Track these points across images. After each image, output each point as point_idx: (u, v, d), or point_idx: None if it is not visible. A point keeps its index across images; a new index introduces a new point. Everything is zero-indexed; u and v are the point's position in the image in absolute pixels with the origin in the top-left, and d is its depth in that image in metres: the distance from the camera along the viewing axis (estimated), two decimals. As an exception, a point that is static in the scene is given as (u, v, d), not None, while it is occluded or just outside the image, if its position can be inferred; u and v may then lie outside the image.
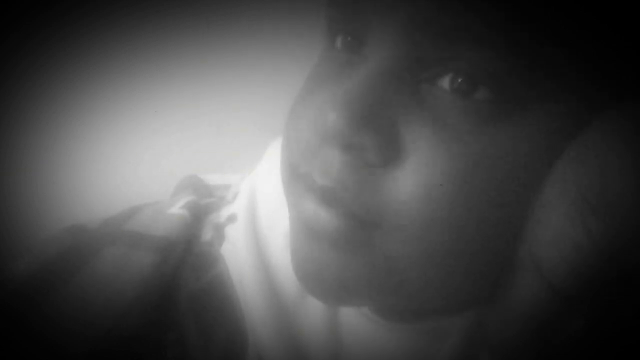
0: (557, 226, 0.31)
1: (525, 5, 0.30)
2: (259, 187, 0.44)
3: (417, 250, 0.32)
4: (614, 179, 0.29)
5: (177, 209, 0.44)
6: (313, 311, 0.39)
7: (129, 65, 0.71)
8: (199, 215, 0.45)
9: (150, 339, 0.39)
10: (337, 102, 0.31)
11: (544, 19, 0.30)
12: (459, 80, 0.31)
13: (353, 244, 0.33)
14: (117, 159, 0.73)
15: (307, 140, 0.33)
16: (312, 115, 0.33)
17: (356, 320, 0.39)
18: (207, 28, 0.70)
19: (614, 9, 0.31)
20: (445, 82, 0.31)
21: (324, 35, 0.36)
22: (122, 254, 0.41)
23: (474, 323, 0.37)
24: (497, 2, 0.29)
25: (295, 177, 0.35)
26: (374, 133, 0.31)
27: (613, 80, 0.32)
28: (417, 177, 0.31)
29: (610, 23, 0.31)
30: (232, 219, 0.44)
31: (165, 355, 0.39)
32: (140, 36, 0.70)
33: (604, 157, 0.30)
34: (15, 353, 0.37)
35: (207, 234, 0.44)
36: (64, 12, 0.69)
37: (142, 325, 0.39)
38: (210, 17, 0.70)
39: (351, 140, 0.31)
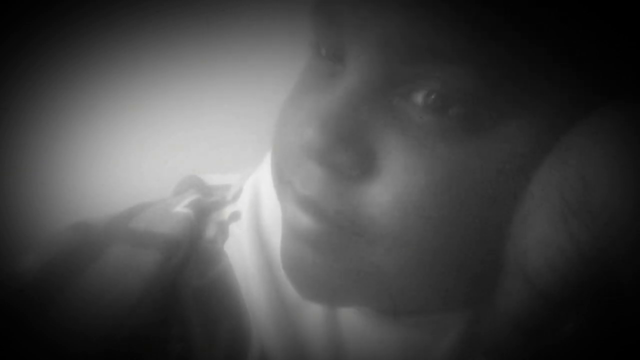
0: (541, 231, 0.31)
1: (500, 21, 0.30)
2: (263, 185, 0.44)
3: (399, 257, 0.33)
4: (595, 182, 0.29)
5: (182, 207, 0.45)
6: (314, 308, 0.39)
7: (130, 65, 0.71)
8: (203, 213, 0.45)
9: (154, 337, 0.39)
10: (314, 120, 0.32)
11: (520, 31, 0.31)
12: (432, 97, 0.32)
13: (334, 247, 0.34)
14: (118, 160, 0.73)
15: (291, 150, 0.35)
16: (296, 125, 0.34)
17: (355, 316, 0.39)
18: (208, 28, 0.70)
19: (596, 9, 0.31)
20: (418, 98, 0.32)
21: (310, 42, 0.37)
22: (128, 253, 0.41)
23: (470, 320, 0.37)
24: (469, 22, 0.30)
25: (282, 182, 0.36)
26: (348, 149, 0.33)
27: (601, 81, 0.32)
28: (390, 190, 0.32)
29: (589, 25, 0.31)
30: (235, 216, 0.44)
31: (169, 351, 0.39)
32: (141, 36, 0.70)
33: (585, 160, 0.30)
34: (21, 355, 0.37)
35: (210, 232, 0.44)
36: (64, 12, 0.69)
37: (146, 324, 0.39)
38: (211, 16, 0.70)
39: (326, 157, 0.33)
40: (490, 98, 0.31)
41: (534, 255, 0.31)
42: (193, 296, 0.41)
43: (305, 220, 0.34)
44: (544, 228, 0.31)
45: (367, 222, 0.33)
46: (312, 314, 0.39)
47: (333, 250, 0.34)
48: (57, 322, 0.38)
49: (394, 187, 0.32)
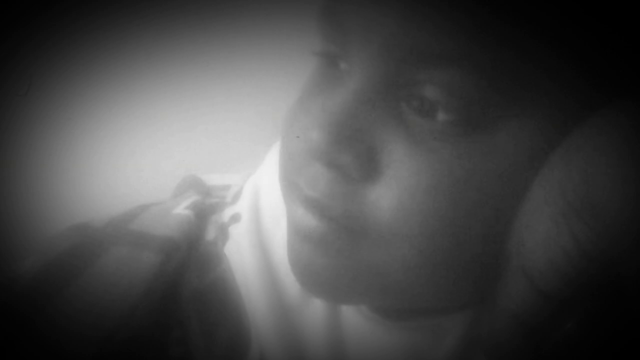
0: (543, 231, 0.31)
1: (501, 21, 0.31)
2: (263, 186, 0.44)
3: (402, 257, 0.34)
4: (598, 183, 0.29)
5: (182, 209, 0.45)
6: (314, 310, 0.39)
7: (131, 66, 0.71)
8: (203, 215, 0.45)
9: (154, 339, 0.39)
10: (319, 123, 0.33)
11: (519, 33, 0.31)
12: (434, 100, 0.32)
13: (340, 247, 0.35)
14: (118, 160, 0.73)
15: (298, 152, 0.36)
16: (302, 127, 0.35)
17: (356, 319, 0.39)
18: (208, 28, 0.70)
19: (603, 9, 0.31)
20: (421, 100, 0.33)
21: (316, 48, 0.37)
22: (127, 254, 0.41)
23: (471, 322, 0.38)
24: (468, 25, 0.31)
25: (288, 183, 0.37)
26: (352, 151, 0.33)
27: (605, 79, 0.32)
28: (393, 192, 0.33)
29: (595, 24, 0.31)
30: (235, 218, 0.44)
31: (169, 353, 0.39)
32: (142, 36, 0.70)
33: (588, 160, 0.30)
34: (21, 356, 0.37)
35: (210, 234, 0.44)
36: (64, 12, 0.69)
37: (146, 325, 0.39)
38: (212, 16, 0.70)
39: (332, 159, 0.33)
40: (492, 99, 0.32)
41: (536, 255, 0.31)
42: (193, 298, 0.41)
43: (310, 221, 0.35)
44: (546, 228, 0.31)
45: (371, 223, 0.34)
46: (312, 315, 0.39)
47: (338, 250, 0.35)
48: (56, 323, 0.38)
49: (397, 189, 0.33)
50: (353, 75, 0.34)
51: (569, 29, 0.31)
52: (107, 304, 0.39)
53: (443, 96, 0.32)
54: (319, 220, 0.34)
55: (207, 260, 0.43)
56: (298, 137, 0.36)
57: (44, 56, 0.69)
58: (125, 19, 0.69)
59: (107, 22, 0.69)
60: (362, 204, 0.34)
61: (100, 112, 0.72)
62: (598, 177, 0.29)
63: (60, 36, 0.69)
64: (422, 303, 0.38)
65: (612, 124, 0.30)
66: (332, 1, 0.35)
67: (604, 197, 0.29)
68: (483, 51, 0.31)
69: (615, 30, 0.32)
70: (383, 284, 0.35)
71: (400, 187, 0.33)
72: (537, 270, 0.31)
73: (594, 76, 0.32)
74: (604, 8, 0.32)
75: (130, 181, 0.72)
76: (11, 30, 0.68)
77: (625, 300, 0.29)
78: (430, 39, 0.31)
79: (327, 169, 0.34)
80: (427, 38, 0.31)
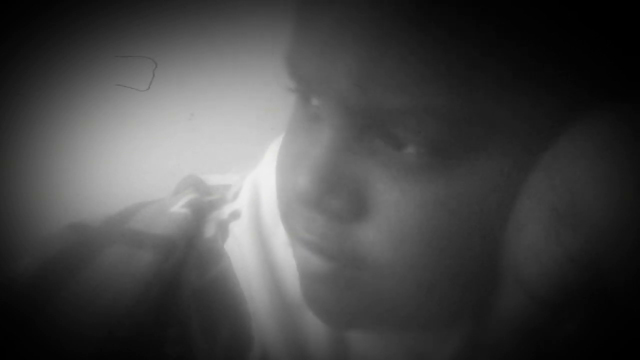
0: (533, 240, 0.31)
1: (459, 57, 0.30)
2: (262, 183, 0.44)
3: (403, 285, 0.35)
4: (582, 190, 0.29)
5: (179, 207, 0.45)
6: None
7: (130, 65, 0.71)
8: (201, 213, 0.45)
9: (153, 338, 0.39)
10: (305, 172, 0.34)
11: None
12: (401, 140, 0.33)
13: (342, 282, 0.36)
14: (119, 160, 0.73)
15: (289, 198, 0.37)
16: (291, 175, 0.36)
17: None
18: (207, 28, 0.70)
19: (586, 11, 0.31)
20: (391, 139, 0.33)
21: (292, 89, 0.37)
22: (124, 253, 0.41)
23: (472, 327, 0.38)
24: (423, 77, 0.31)
25: (288, 227, 0.38)
26: (339, 196, 0.34)
27: (590, 82, 0.32)
28: (382, 228, 0.34)
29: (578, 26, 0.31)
30: (235, 215, 0.44)
31: (169, 352, 0.39)
32: (141, 36, 0.70)
33: (571, 168, 0.30)
34: (21, 356, 0.37)
35: (210, 231, 0.44)
36: (64, 12, 0.69)
37: (145, 324, 0.39)
38: (212, 17, 0.70)
39: (321, 206, 0.34)
40: (463, 132, 0.32)
41: (528, 264, 0.31)
42: (193, 296, 0.41)
43: (314, 261, 0.36)
44: (536, 237, 0.31)
45: (366, 259, 0.34)
46: None
47: (341, 284, 0.36)
48: (54, 323, 0.38)
49: (385, 225, 0.34)
50: (325, 122, 0.34)
51: (551, 32, 0.31)
52: (105, 303, 0.39)
53: (409, 136, 0.32)
54: (321, 260, 0.36)
55: (206, 258, 0.43)
56: (287, 182, 0.37)
57: (44, 56, 0.69)
58: (125, 19, 0.69)
59: (107, 22, 0.69)
60: (357, 242, 0.35)
61: (100, 112, 0.72)
62: (581, 184, 0.29)
63: (60, 36, 0.69)
64: (425, 319, 0.38)
65: (594, 132, 0.30)
66: (291, 57, 0.35)
67: (589, 203, 0.29)
68: (445, 97, 0.31)
69: (599, 31, 0.31)
70: (388, 311, 0.36)
71: (388, 223, 0.34)
72: (530, 278, 0.31)
73: (579, 80, 0.32)
74: (589, 10, 0.31)
75: (130, 181, 0.72)
76: (11, 30, 0.68)
77: (621, 304, 0.29)
78: (383, 96, 0.31)
79: (319, 214, 0.35)
80: (380, 95, 0.31)
